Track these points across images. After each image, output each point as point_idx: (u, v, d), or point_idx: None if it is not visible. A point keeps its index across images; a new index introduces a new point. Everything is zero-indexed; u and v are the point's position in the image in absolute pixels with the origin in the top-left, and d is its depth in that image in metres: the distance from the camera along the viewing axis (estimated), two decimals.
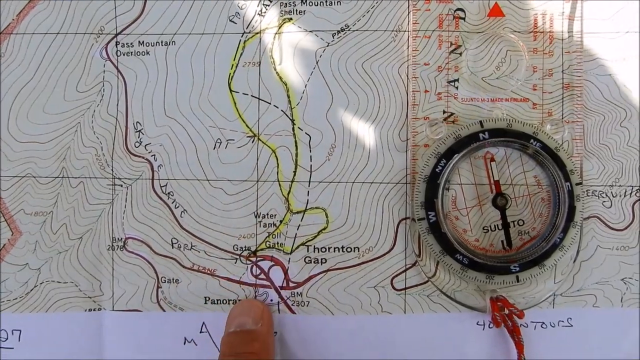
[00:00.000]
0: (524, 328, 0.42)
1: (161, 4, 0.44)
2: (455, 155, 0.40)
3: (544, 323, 0.42)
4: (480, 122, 0.40)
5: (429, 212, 0.40)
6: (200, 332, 0.43)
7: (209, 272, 0.43)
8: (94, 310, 0.44)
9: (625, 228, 0.42)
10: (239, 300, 0.43)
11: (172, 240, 0.43)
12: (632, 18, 0.41)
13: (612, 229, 0.42)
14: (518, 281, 0.40)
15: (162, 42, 0.44)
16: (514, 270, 0.40)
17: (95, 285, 0.44)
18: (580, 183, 0.41)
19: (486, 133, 0.40)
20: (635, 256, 0.42)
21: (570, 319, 0.42)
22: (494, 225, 0.41)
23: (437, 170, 0.40)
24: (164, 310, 0.43)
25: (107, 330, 0.44)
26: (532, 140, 0.40)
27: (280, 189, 0.43)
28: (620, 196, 0.42)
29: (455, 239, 0.41)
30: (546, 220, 0.41)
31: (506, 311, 0.40)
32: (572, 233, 0.40)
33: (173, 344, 0.43)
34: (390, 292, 0.42)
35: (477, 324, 0.42)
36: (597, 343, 0.42)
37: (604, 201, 0.42)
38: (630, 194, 0.42)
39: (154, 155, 0.44)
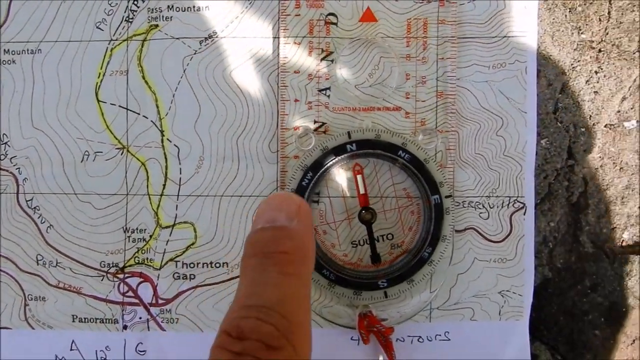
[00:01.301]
0: (400, 342, 0.41)
1: (26, 10, 0.42)
2: (321, 168, 0.39)
3: (420, 337, 0.41)
4: (348, 133, 0.39)
5: None
6: (71, 349, 0.42)
7: (75, 290, 0.42)
8: None
9: (503, 240, 0.40)
10: (98, 317, 0.42)
11: (37, 257, 0.42)
12: (509, 22, 0.40)
13: (490, 240, 0.40)
14: (386, 297, 0.39)
15: (28, 50, 0.42)
16: (381, 286, 0.39)
17: None
18: (451, 195, 0.39)
19: (354, 144, 0.39)
20: (513, 268, 0.40)
21: (448, 332, 0.41)
22: (363, 240, 0.40)
23: (303, 183, 0.39)
24: (33, 328, 0.42)
25: None
26: (400, 152, 0.38)
27: (150, 203, 0.42)
28: (497, 207, 0.40)
29: (322, 254, 0.39)
30: (416, 234, 0.40)
31: (375, 327, 0.39)
32: (441, 247, 0.39)
33: None
34: None
35: (352, 339, 0.41)
36: (475, 356, 0.41)
37: (481, 212, 0.40)
38: (508, 205, 0.40)
39: (19, 168, 0.42)
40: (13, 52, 0.42)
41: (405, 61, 0.40)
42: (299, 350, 0.25)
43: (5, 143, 0.42)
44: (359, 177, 0.39)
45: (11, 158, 0.42)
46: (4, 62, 0.42)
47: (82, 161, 0.42)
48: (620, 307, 0.42)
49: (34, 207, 0.42)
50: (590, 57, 0.40)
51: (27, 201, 0.42)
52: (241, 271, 0.28)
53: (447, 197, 0.38)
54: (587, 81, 0.40)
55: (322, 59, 0.40)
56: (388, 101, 0.40)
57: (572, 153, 0.41)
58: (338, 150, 0.39)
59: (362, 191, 0.39)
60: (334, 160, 0.39)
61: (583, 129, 0.41)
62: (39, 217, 0.42)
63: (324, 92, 0.40)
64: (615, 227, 0.41)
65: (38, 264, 0.42)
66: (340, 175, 0.40)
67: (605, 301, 0.42)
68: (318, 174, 0.39)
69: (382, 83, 0.40)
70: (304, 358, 0.25)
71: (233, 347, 0.24)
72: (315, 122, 0.40)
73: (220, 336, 0.25)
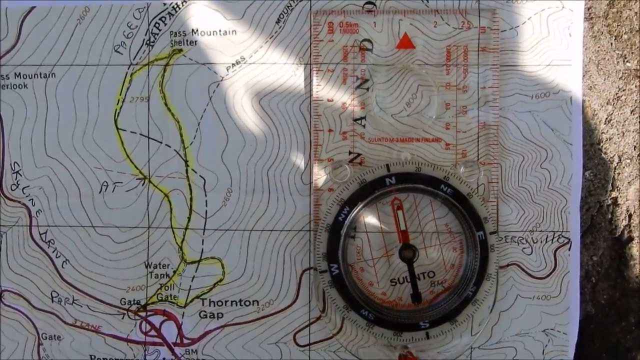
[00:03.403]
0: None
1: (38, 31, 0.39)
2: (359, 203, 0.37)
3: None
4: (387, 165, 0.37)
5: (332, 265, 0.37)
6: None
7: (93, 329, 0.39)
8: None
9: (547, 276, 0.39)
10: None
11: (52, 294, 0.39)
12: (553, 50, 0.38)
13: (533, 277, 0.39)
14: (428, 338, 0.37)
15: (41, 74, 0.40)
16: (423, 327, 0.37)
17: None
18: (496, 232, 0.37)
19: (393, 178, 0.37)
20: (557, 306, 0.39)
21: None
22: (402, 278, 0.38)
23: (339, 219, 0.37)
24: None
25: None
26: (442, 186, 0.36)
27: (174, 237, 0.39)
28: (541, 242, 0.39)
29: (360, 292, 0.37)
30: (458, 271, 0.38)
31: None
32: (485, 286, 0.37)
33: None
34: (293, 349, 0.39)
35: None
36: None
37: (524, 248, 0.39)
38: (552, 240, 0.39)
39: (32, 199, 0.40)
40: (24, 76, 0.40)
41: (445, 90, 0.38)
42: None
43: (17, 172, 0.40)
44: (399, 212, 0.37)
45: (23, 188, 0.40)
46: (15, 87, 0.40)
47: (100, 192, 0.39)
48: None
49: (49, 241, 0.40)
50: (636, 86, 0.39)
51: (40, 234, 0.40)
52: None
53: (492, 233, 0.37)
54: (632, 111, 0.39)
55: (357, 87, 0.38)
56: (427, 132, 0.38)
57: (615, 185, 0.39)
58: (376, 184, 0.37)
59: (402, 227, 0.37)
60: (372, 195, 0.36)
61: (628, 160, 0.39)
62: (53, 252, 0.40)
63: (359, 121, 0.38)
64: None
65: (53, 301, 0.39)
66: (378, 209, 0.38)
67: None
68: (356, 208, 0.36)
69: (421, 112, 0.38)
70: None
71: None
72: (350, 152, 0.38)
73: None
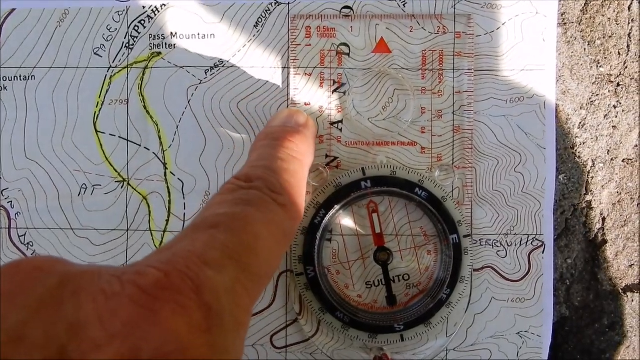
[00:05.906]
0: None
1: (18, 34, 0.39)
2: (335, 206, 0.37)
3: None
4: (363, 169, 0.37)
5: (308, 267, 0.37)
6: None
7: None
8: None
9: (521, 279, 0.39)
10: None
11: None
12: (527, 55, 0.38)
13: (507, 280, 0.39)
14: (403, 340, 0.37)
15: (20, 76, 0.40)
16: (397, 329, 0.37)
17: None
18: (469, 235, 0.38)
19: (368, 181, 0.37)
20: (531, 308, 0.39)
21: None
22: (378, 280, 0.38)
23: (315, 221, 0.37)
24: None
25: None
26: (417, 189, 0.37)
27: (152, 239, 0.40)
28: (515, 245, 0.39)
29: (335, 295, 0.38)
30: (433, 274, 0.38)
31: None
32: (459, 289, 0.37)
33: None
34: (270, 351, 0.39)
35: None
36: None
37: (499, 251, 0.39)
38: (526, 243, 0.39)
39: (11, 201, 0.40)
40: (5, 78, 0.40)
41: (421, 94, 0.38)
42: (294, 204, 0.29)
43: None
44: (374, 215, 0.37)
45: (3, 191, 0.40)
46: None
47: (79, 195, 0.40)
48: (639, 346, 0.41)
49: (27, 243, 0.40)
50: (609, 91, 0.39)
51: (19, 237, 0.40)
52: (251, 149, 0.33)
53: (465, 236, 0.37)
54: (605, 115, 0.39)
55: (334, 91, 0.38)
56: (403, 135, 0.38)
57: (589, 189, 0.40)
58: (352, 187, 0.37)
59: (377, 230, 0.37)
60: (348, 199, 0.37)
61: (601, 164, 0.40)
62: (32, 254, 0.40)
63: (336, 125, 0.39)
64: (633, 264, 0.40)
65: None
66: (353, 212, 0.38)
67: (624, 340, 0.41)
68: (331, 212, 0.37)
69: (397, 117, 0.38)
70: (297, 213, 0.30)
71: (241, 185, 0.28)
72: (327, 156, 0.39)
73: (230, 180, 0.29)
